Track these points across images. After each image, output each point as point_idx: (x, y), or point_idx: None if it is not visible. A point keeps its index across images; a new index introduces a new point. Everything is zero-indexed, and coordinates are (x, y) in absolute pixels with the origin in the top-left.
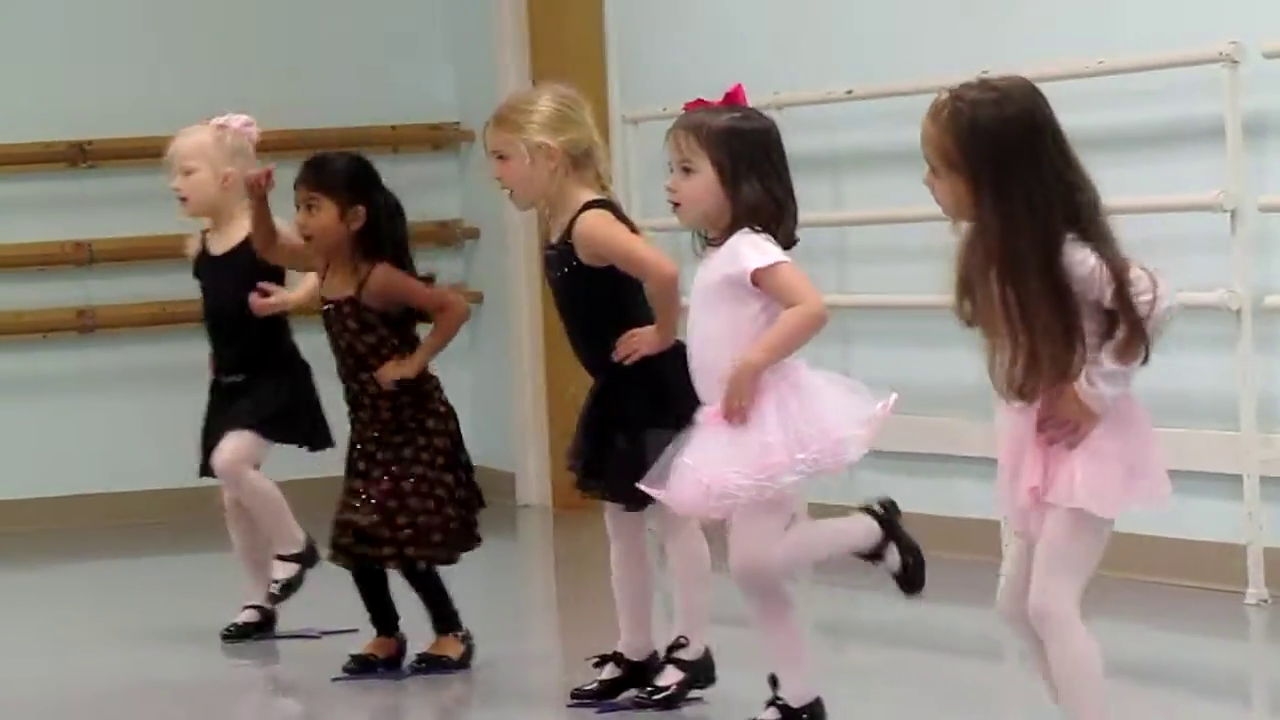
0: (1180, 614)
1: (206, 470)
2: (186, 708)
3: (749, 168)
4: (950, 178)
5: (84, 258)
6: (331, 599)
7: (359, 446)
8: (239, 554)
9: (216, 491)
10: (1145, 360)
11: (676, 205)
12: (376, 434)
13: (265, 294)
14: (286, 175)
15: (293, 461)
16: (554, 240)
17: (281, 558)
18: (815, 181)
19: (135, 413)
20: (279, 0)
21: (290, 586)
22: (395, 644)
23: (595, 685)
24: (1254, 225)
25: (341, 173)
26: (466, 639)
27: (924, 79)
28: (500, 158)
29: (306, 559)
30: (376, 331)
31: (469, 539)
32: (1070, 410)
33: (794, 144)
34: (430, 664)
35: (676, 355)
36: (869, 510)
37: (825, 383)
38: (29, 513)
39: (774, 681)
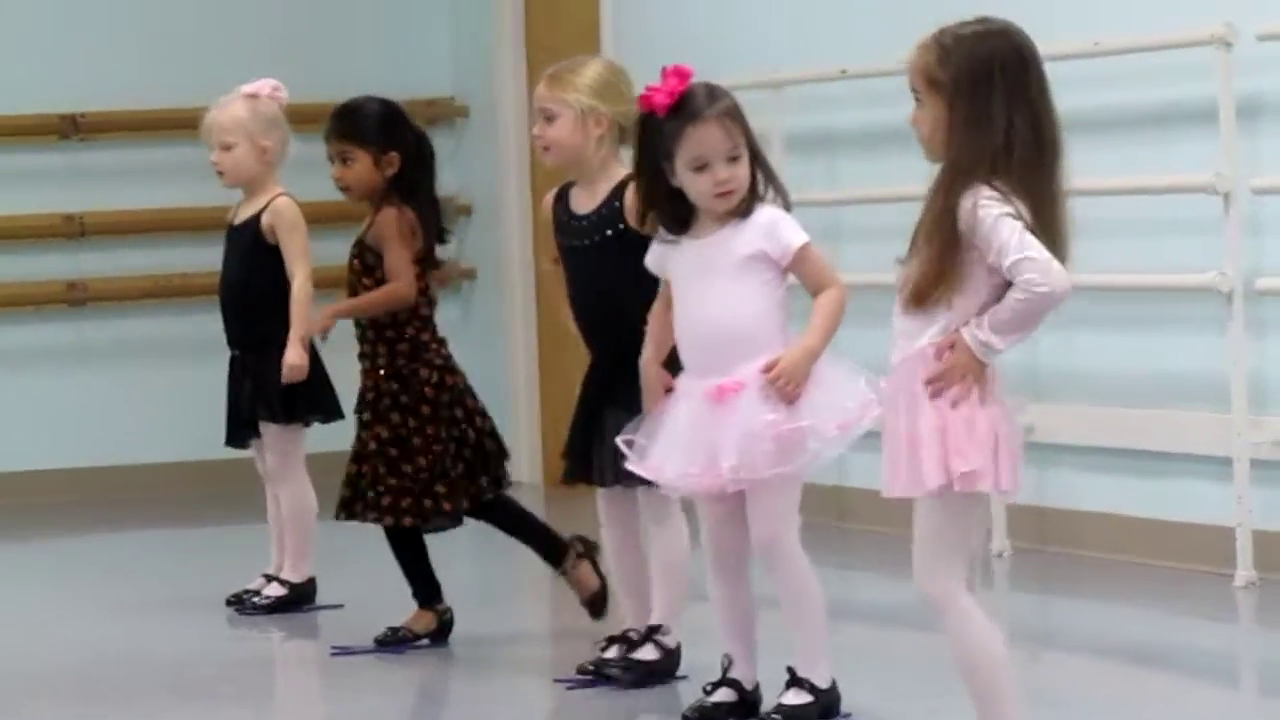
0: (1169, 596)
1: (232, 440)
2: (176, 679)
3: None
4: (931, 99)
5: (75, 230)
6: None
7: (362, 397)
8: (270, 520)
9: (209, 466)
10: None
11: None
12: (374, 384)
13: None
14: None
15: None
16: (582, 211)
17: (280, 580)
18: (811, 161)
19: (126, 386)
20: None
21: (266, 610)
22: (434, 617)
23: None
24: (1246, 208)
25: (372, 120)
26: (444, 614)
27: None
28: (547, 117)
29: (295, 600)
30: (375, 275)
31: (451, 508)
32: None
33: (790, 123)
34: (400, 637)
35: None
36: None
37: (828, 365)
38: (18, 486)
39: (792, 671)
